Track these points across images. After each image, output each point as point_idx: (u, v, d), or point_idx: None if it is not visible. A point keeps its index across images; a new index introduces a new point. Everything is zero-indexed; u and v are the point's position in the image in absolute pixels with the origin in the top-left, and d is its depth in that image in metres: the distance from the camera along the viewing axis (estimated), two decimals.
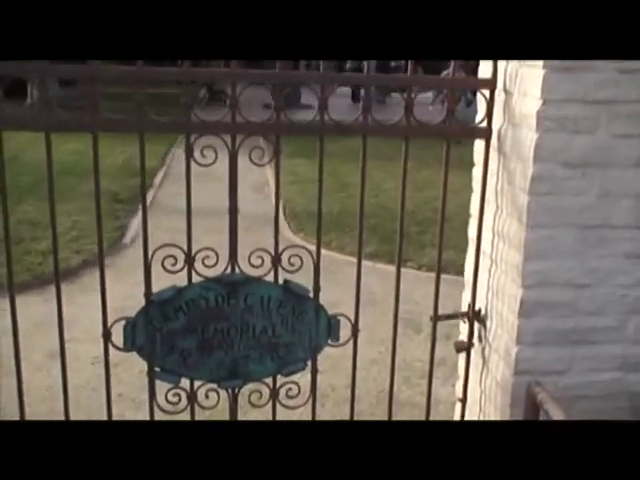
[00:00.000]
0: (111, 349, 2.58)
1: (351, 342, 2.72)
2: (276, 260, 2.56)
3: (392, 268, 6.13)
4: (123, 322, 2.57)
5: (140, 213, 9.17)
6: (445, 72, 2.81)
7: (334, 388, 4.33)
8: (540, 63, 2.27)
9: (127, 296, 3.73)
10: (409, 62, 2.49)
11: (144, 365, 2.63)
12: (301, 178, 10.03)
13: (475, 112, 2.73)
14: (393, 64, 26.61)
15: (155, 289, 2.54)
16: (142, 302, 2.57)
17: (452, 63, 2.53)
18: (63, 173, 9.16)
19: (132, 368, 4.10)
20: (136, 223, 8.19)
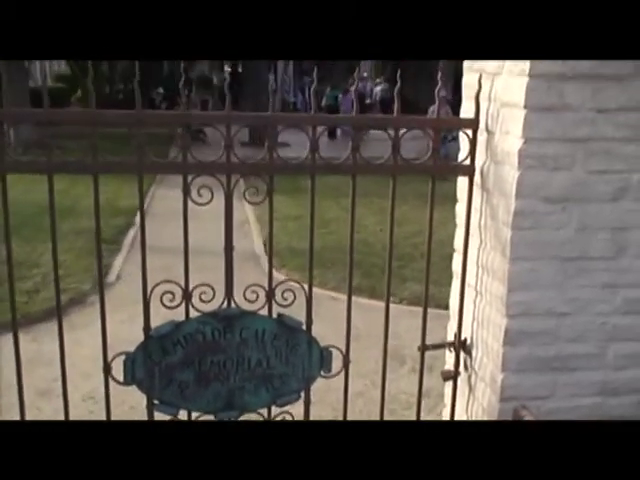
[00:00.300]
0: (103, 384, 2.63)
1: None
2: (270, 295, 2.64)
3: (374, 302, 6.27)
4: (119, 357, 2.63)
5: (123, 252, 9.17)
6: (431, 108, 2.95)
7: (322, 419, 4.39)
8: (521, 103, 2.39)
9: (116, 333, 3.77)
10: (395, 97, 2.62)
11: (135, 401, 2.67)
12: (281, 215, 10.10)
13: (460, 146, 2.85)
14: (368, 101, 26.92)
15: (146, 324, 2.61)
16: (131, 338, 2.63)
17: (437, 101, 2.66)
18: (44, 212, 9.15)
19: (123, 404, 4.14)
20: (120, 262, 8.22)
